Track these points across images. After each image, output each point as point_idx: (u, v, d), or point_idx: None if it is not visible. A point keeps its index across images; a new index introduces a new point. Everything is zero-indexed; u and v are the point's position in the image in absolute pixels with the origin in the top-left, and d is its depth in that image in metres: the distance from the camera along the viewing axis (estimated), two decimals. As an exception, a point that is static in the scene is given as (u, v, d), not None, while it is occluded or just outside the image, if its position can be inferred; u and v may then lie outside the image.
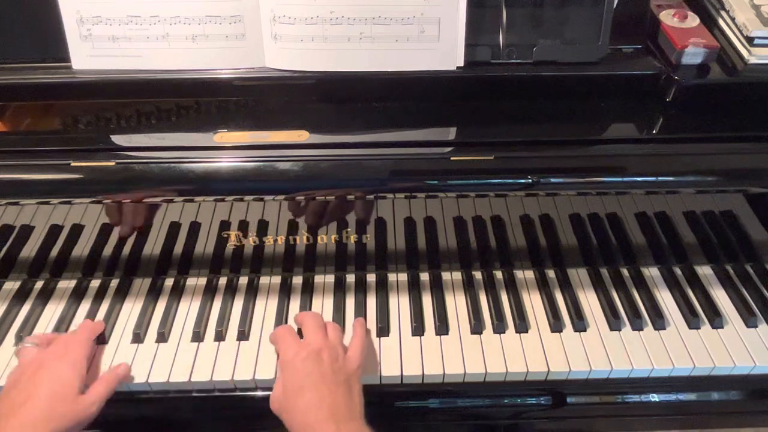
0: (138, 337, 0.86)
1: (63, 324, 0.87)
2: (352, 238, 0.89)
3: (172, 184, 0.78)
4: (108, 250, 0.89)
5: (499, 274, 0.94)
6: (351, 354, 0.78)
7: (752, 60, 0.86)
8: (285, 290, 0.92)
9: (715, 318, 0.88)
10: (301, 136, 0.81)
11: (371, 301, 0.91)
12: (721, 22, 0.93)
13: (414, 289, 0.92)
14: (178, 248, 0.90)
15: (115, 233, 0.87)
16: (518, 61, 0.84)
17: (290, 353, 0.76)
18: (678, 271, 0.95)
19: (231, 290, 0.92)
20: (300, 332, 0.82)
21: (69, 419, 0.71)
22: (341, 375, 0.74)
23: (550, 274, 0.95)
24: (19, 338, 0.85)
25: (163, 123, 0.85)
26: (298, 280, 0.94)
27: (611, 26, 0.83)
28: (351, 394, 0.73)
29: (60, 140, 0.82)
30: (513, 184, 0.79)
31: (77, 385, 0.73)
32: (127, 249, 0.89)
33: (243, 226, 0.86)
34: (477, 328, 0.86)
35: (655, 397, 0.85)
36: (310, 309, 0.90)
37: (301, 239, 0.88)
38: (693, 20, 0.89)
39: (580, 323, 0.87)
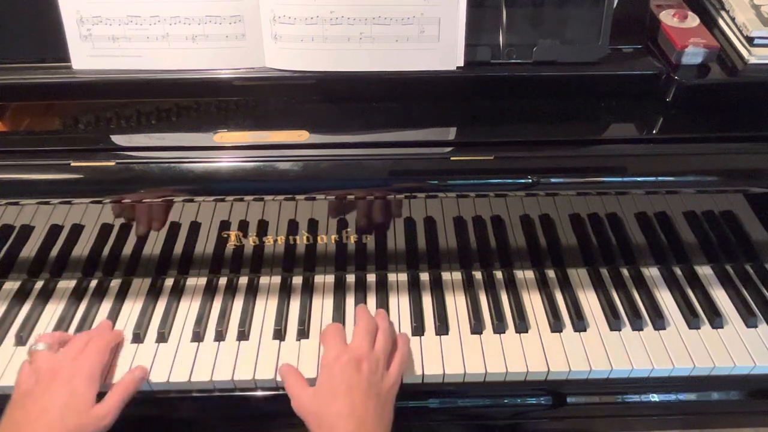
0: (138, 337, 0.86)
1: (63, 324, 0.87)
2: (352, 238, 0.89)
3: (172, 184, 0.78)
4: (108, 250, 0.89)
5: (499, 274, 0.94)
6: (391, 370, 0.77)
7: (752, 60, 0.86)
8: (285, 290, 0.92)
9: (715, 318, 0.88)
10: (301, 136, 0.81)
11: (371, 301, 0.91)
12: (721, 22, 0.93)
13: (414, 289, 0.92)
14: (178, 248, 0.90)
15: (115, 233, 0.87)
16: (518, 61, 0.84)
17: (332, 355, 0.76)
18: (678, 271, 0.96)
19: (231, 290, 0.92)
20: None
21: (79, 430, 0.70)
22: (375, 388, 0.74)
23: (550, 274, 0.95)
24: (20, 338, 0.85)
25: (163, 123, 0.85)
26: (298, 280, 0.94)
27: (611, 26, 0.83)
28: (382, 410, 0.73)
29: (60, 140, 0.82)
30: (513, 184, 0.79)
31: (91, 398, 0.73)
32: (127, 249, 0.89)
33: (243, 226, 0.86)
34: (477, 328, 0.86)
35: (655, 397, 0.85)
36: (310, 309, 0.90)
37: (301, 239, 0.88)
38: (693, 20, 0.89)
39: (580, 323, 0.87)
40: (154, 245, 0.89)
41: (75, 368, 0.74)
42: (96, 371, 0.75)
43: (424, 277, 0.94)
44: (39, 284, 0.93)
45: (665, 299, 0.91)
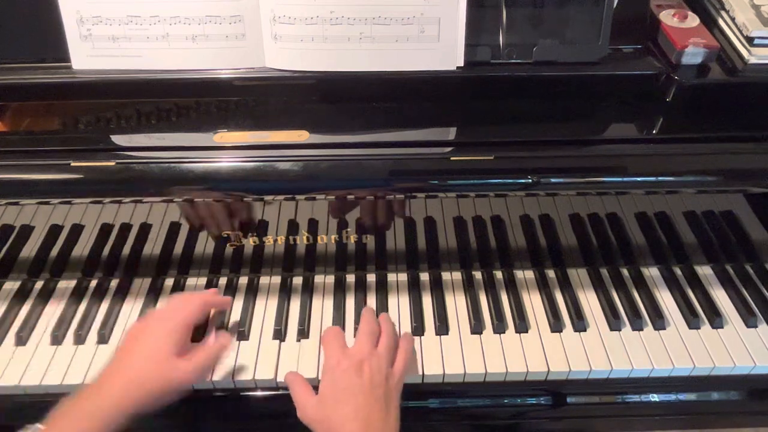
0: (138, 337, 0.86)
1: (63, 324, 0.87)
2: (352, 238, 0.89)
3: (172, 184, 0.78)
4: (108, 250, 0.89)
5: (499, 274, 0.94)
6: (395, 368, 0.77)
7: (752, 60, 0.86)
8: (285, 290, 0.92)
9: (715, 318, 0.88)
10: (301, 136, 0.81)
11: (371, 301, 0.91)
12: (721, 22, 0.93)
13: (414, 289, 0.92)
14: (178, 248, 0.90)
15: (115, 233, 0.87)
16: (518, 61, 0.84)
17: (333, 361, 0.76)
18: (678, 271, 0.95)
19: (231, 290, 0.92)
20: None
21: (162, 381, 0.72)
22: (379, 389, 0.73)
23: (550, 274, 0.95)
24: (20, 338, 0.85)
25: (163, 123, 0.85)
26: (298, 280, 0.94)
27: (611, 26, 0.83)
28: (387, 410, 0.73)
29: (60, 140, 0.82)
30: (513, 184, 0.79)
31: (170, 349, 0.73)
32: (127, 249, 0.89)
33: (243, 226, 0.86)
34: (477, 328, 0.86)
35: (655, 397, 0.85)
36: (309, 309, 0.90)
37: (301, 239, 0.88)
38: (693, 20, 0.89)
39: (580, 323, 0.87)
40: (154, 245, 0.89)
41: (159, 319, 0.76)
42: (179, 325, 0.76)
43: (424, 277, 0.94)
44: (39, 284, 0.93)
45: (665, 299, 0.91)
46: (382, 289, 0.92)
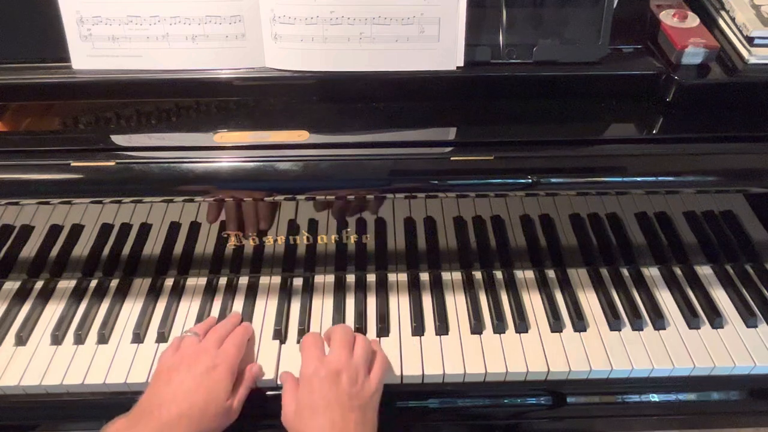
0: (138, 337, 0.86)
1: (63, 324, 0.87)
2: (352, 238, 0.89)
3: (172, 184, 0.78)
4: (108, 250, 0.89)
5: (499, 274, 0.94)
6: (372, 376, 0.77)
7: (752, 60, 0.86)
8: (285, 290, 0.92)
9: (715, 318, 0.88)
10: (301, 136, 0.81)
11: (371, 301, 0.91)
12: (721, 22, 0.93)
13: (414, 289, 0.92)
14: (178, 248, 0.90)
15: (115, 233, 0.87)
16: (518, 61, 0.84)
17: (310, 369, 0.76)
18: (678, 271, 0.95)
19: (231, 290, 0.92)
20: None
21: (218, 420, 0.74)
22: (356, 400, 0.73)
23: (550, 274, 0.95)
24: (20, 338, 0.85)
25: (163, 123, 0.85)
26: (298, 280, 0.94)
27: (611, 26, 0.83)
28: (364, 420, 0.73)
29: (60, 140, 0.82)
30: (513, 184, 0.79)
31: (230, 390, 0.75)
32: (127, 249, 0.90)
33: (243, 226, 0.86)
34: (477, 328, 0.86)
35: (655, 397, 0.85)
36: (310, 309, 0.90)
37: (301, 239, 0.88)
38: (693, 20, 0.89)
39: (580, 323, 0.87)
40: (154, 245, 0.89)
41: (219, 357, 0.77)
42: (236, 365, 0.77)
43: (424, 277, 0.94)
44: (39, 284, 0.93)
45: (665, 299, 0.91)
46: (382, 289, 0.92)
